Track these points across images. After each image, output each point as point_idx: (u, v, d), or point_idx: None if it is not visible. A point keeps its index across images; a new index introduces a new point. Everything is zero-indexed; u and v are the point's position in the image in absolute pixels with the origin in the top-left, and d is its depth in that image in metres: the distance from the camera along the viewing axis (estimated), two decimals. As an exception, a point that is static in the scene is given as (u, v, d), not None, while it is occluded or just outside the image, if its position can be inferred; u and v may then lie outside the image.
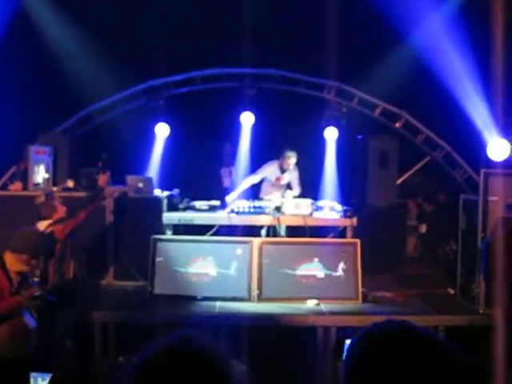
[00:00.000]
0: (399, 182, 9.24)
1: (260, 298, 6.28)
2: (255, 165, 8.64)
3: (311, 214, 7.11)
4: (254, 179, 8.05)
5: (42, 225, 5.62)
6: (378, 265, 7.42)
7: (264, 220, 7.11)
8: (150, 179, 7.78)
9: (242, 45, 8.27)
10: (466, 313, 6.04)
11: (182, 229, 7.28)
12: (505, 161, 7.11)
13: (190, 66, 9.51)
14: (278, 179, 8.01)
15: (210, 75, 9.71)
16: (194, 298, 6.27)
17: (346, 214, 7.07)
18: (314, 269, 6.40)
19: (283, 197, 7.69)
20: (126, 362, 5.26)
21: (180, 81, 9.73)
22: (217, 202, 7.53)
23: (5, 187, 8.05)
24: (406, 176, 9.75)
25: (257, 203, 7.23)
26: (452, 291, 6.80)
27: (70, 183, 7.73)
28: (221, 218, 7.09)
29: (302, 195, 7.80)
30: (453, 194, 8.90)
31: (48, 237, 5.36)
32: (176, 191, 7.82)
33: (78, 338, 5.41)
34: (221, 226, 7.05)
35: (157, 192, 7.61)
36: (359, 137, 8.91)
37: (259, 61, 9.06)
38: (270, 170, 8.06)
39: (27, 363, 4.05)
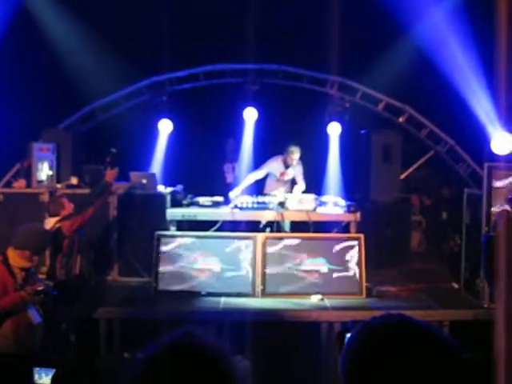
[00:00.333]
0: (403, 176, 9.22)
1: (264, 294, 6.29)
2: (258, 160, 8.63)
3: (315, 210, 7.11)
4: (258, 175, 8.05)
5: (50, 222, 5.65)
6: (382, 260, 7.42)
7: (268, 215, 7.11)
8: (153, 175, 7.79)
9: (245, 40, 8.26)
10: (471, 307, 6.04)
11: (185, 225, 7.29)
12: (508, 154, 7.09)
13: (193, 62, 9.50)
14: (282, 174, 8.01)
15: (213, 71, 9.69)
16: (198, 294, 6.28)
17: (349, 209, 7.06)
18: (318, 264, 6.40)
19: (290, 192, 7.69)
20: (132, 357, 5.29)
21: (183, 77, 9.71)
22: (220, 198, 7.53)
23: (9, 184, 8.08)
24: (409, 171, 9.72)
25: (260, 199, 7.23)
26: (456, 286, 6.79)
27: (74, 180, 7.75)
28: (224, 213, 7.09)
29: (306, 190, 7.79)
30: (457, 188, 8.89)
31: (52, 233, 5.38)
32: (179, 187, 7.82)
33: (82, 333, 5.44)
34: (224, 222, 7.06)
35: (160, 188, 7.62)
36: (362, 132, 8.89)
37: (262, 56, 9.04)
38: (274, 166, 8.05)
39: (31, 358, 4.07)
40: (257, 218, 7.26)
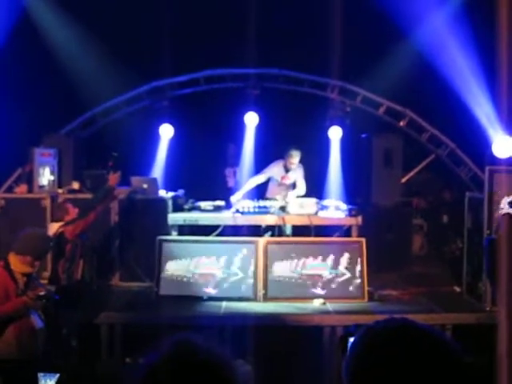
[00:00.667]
0: (404, 180, 9.22)
1: (266, 298, 6.28)
2: (259, 165, 8.63)
3: (316, 214, 7.10)
4: (260, 179, 8.05)
5: (54, 227, 5.67)
6: (383, 263, 7.41)
7: (269, 220, 7.10)
8: (154, 180, 7.80)
9: (246, 45, 8.27)
10: (473, 311, 6.03)
11: (187, 229, 7.29)
12: (510, 158, 7.08)
13: (193, 67, 9.51)
14: (283, 178, 8.00)
15: (214, 76, 9.71)
16: (199, 299, 6.28)
17: (350, 213, 7.06)
18: (320, 268, 6.40)
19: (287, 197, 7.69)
20: (133, 363, 5.28)
21: (184, 82, 9.73)
22: (222, 203, 7.53)
23: (10, 190, 8.08)
24: (410, 174, 9.72)
25: (262, 203, 7.22)
26: (458, 289, 6.78)
27: (75, 185, 7.76)
28: (226, 218, 7.09)
29: (307, 194, 7.79)
30: (458, 191, 8.88)
31: (55, 238, 5.38)
32: (181, 192, 7.83)
33: (84, 338, 5.43)
34: (226, 226, 7.05)
35: (162, 193, 7.62)
36: (363, 136, 8.89)
37: (262, 61, 9.05)
38: (275, 170, 8.05)
39: (35, 364, 4.07)
40: (258, 223, 7.26)
